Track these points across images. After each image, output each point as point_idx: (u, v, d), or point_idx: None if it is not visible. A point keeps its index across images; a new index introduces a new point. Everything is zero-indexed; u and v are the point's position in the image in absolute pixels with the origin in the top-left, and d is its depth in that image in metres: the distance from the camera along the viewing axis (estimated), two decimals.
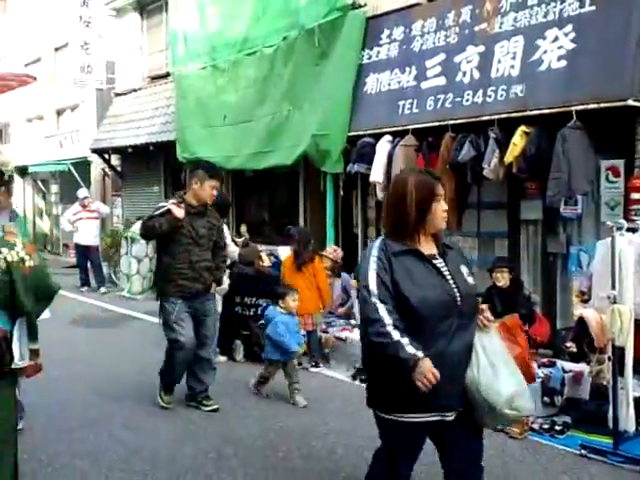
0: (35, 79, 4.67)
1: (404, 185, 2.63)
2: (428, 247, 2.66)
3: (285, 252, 7.25)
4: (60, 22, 16.64)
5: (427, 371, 2.40)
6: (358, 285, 2.68)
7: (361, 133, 7.85)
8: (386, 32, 7.76)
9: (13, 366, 2.58)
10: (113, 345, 7.64)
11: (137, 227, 5.15)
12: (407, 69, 7.40)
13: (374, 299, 2.51)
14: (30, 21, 19.04)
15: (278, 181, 10.58)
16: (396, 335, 2.45)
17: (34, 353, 2.69)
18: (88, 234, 11.72)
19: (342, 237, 9.09)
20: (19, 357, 2.61)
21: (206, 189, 4.94)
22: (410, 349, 2.44)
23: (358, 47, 8.05)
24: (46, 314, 2.96)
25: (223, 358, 6.69)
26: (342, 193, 8.49)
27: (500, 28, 6.48)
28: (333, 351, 6.87)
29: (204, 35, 10.77)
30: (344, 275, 7.90)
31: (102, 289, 11.51)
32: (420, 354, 2.44)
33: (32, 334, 2.65)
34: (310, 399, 5.33)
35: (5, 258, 2.47)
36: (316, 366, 6.46)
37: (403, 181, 2.67)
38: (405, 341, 2.45)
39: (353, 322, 7.26)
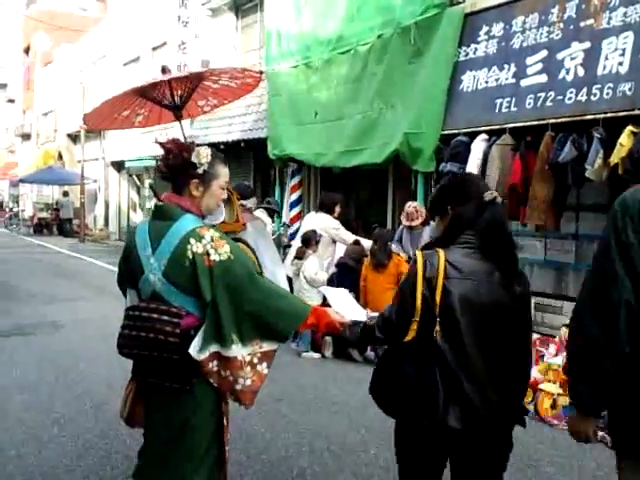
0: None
1: None
2: None
3: None
4: (159, 22, 17.30)
5: None
6: None
7: (455, 132, 7.72)
8: (485, 29, 7.60)
9: None
10: None
11: None
12: (506, 66, 7.23)
13: None
14: (129, 22, 19.90)
15: (367, 179, 10.58)
16: None
17: None
18: None
19: None
20: None
21: None
22: None
23: (454, 44, 7.93)
24: None
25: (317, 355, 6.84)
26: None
27: (608, 24, 6.22)
28: None
29: (298, 34, 10.90)
30: None
31: None
32: None
33: None
34: None
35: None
36: None
37: None
38: None
39: None
